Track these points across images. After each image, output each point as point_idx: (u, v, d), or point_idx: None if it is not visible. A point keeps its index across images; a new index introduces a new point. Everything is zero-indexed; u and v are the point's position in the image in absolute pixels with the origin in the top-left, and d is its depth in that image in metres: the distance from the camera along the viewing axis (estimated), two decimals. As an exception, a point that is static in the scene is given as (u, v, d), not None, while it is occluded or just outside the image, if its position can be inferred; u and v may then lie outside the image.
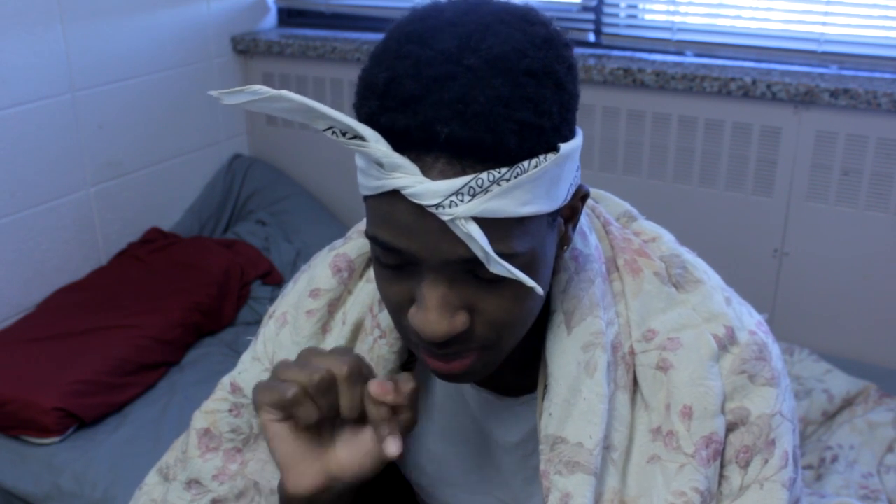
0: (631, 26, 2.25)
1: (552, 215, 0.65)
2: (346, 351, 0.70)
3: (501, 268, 0.60)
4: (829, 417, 1.80)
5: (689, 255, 0.79)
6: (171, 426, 1.79)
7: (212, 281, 2.16)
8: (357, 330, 0.82)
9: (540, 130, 0.60)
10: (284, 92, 0.58)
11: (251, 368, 0.86)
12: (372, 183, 0.61)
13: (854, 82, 1.92)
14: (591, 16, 2.25)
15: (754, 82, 1.98)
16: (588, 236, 0.76)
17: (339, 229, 2.51)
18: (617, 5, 2.24)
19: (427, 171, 0.59)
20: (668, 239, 0.80)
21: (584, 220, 0.77)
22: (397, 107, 0.58)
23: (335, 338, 0.83)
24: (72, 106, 2.14)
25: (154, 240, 2.37)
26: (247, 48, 2.60)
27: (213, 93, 0.59)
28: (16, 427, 1.75)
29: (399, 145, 0.59)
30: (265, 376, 0.84)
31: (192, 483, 0.85)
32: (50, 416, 1.72)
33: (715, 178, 2.11)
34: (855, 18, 2.00)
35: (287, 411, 0.67)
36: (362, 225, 0.85)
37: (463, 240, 0.60)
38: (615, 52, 2.23)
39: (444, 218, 0.59)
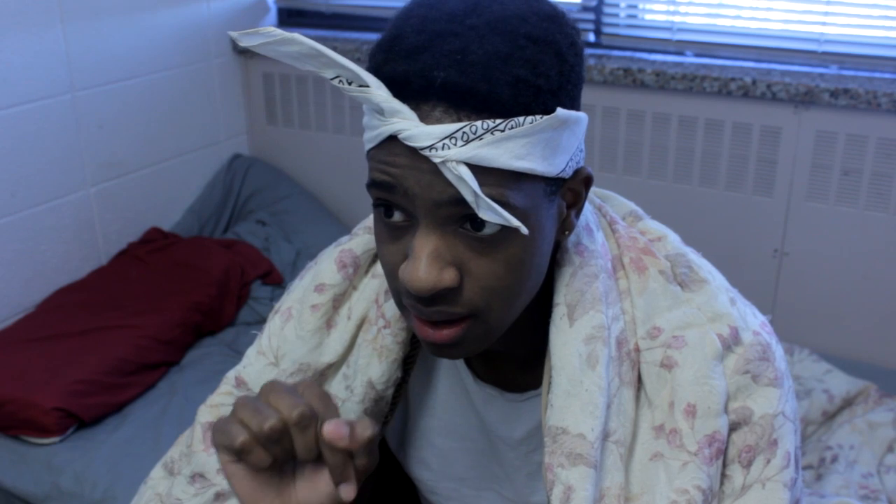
0: (631, 26, 2.26)
1: (551, 186, 0.66)
2: (308, 387, 0.68)
3: (491, 212, 0.61)
4: (829, 417, 1.80)
5: (694, 256, 0.79)
6: (171, 426, 1.79)
7: (212, 281, 2.16)
8: (362, 324, 0.83)
9: (536, 90, 0.61)
10: (296, 35, 0.61)
11: (256, 363, 0.86)
12: (373, 133, 0.64)
13: (854, 82, 1.92)
14: (591, 16, 2.25)
15: (754, 82, 1.98)
16: (595, 233, 0.77)
17: (339, 229, 2.51)
18: (617, 5, 2.25)
19: (424, 118, 0.61)
20: (673, 238, 0.81)
21: (591, 217, 0.78)
22: (400, 57, 0.62)
23: (340, 333, 0.83)
24: (72, 106, 2.15)
25: (154, 240, 2.37)
26: (247, 48, 2.60)
27: (233, 34, 0.63)
28: (16, 427, 1.75)
29: (399, 93, 0.62)
30: (269, 370, 0.85)
31: (197, 477, 0.85)
32: (50, 416, 1.72)
33: (715, 178, 2.11)
34: (855, 18, 2.00)
35: (238, 457, 0.67)
36: (369, 221, 0.85)
37: (453, 183, 0.61)
38: (615, 52, 2.23)
39: (436, 160, 0.60)
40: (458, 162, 0.60)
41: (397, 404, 0.85)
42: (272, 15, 2.74)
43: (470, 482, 0.89)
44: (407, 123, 0.61)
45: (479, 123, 0.60)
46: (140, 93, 2.33)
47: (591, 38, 2.27)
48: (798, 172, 2.01)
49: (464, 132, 0.60)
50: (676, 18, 2.18)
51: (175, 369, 2.00)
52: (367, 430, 0.66)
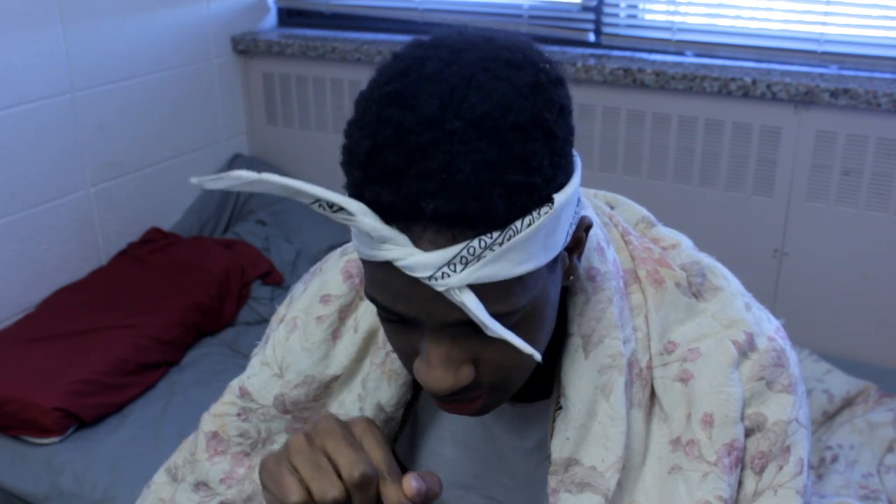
0: (631, 26, 2.25)
1: (552, 261, 0.63)
2: (365, 430, 0.65)
3: (499, 333, 0.59)
4: (829, 417, 1.80)
5: (708, 261, 0.78)
6: (171, 426, 1.78)
7: (212, 281, 2.16)
8: (369, 338, 0.81)
9: (531, 188, 0.57)
10: (265, 176, 0.56)
11: (260, 373, 0.84)
12: (365, 251, 0.60)
13: (854, 82, 1.92)
14: (591, 16, 2.25)
15: (754, 82, 1.98)
16: (605, 251, 0.74)
17: (339, 229, 2.51)
18: (617, 5, 2.24)
19: (417, 241, 0.57)
20: (686, 245, 0.79)
21: (601, 234, 0.75)
22: (381, 179, 0.57)
23: (346, 345, 0.82)
24: (72, 106, 2.14)
25: (154, 240, 2.37)
26: (247, 48, 2.60)
27: (194, 180, 0.56)
28: (16, 427, 1.75)
29: (387, 216, 0.58)
30: (274, 381, 0.83)
31: (201, 485, 0.85)
32: (50, 416, 1.72)
33: (715, 178, 2.11)
34: (855, 18, 2.00)
35: None
36: None
37: (458, 306, 0.59)
38: (615, 52, 2.23)
39: (439, 289, 0.57)
40: (462, 287, 0.57)
41: (407, 421, 0.85)
42: (272, 15, 2.74)
43: (476, 490, 0.88)
44: (401, 251, 0.57)
45: (475, 243, 0.56)
46: (140, 93, 2.33)
47: (591, 38, 2.27)
48: (798, 172, 2.01)
49: (462, 256, 0.56)
50: (676, 18, 2.18)
51: (175, 369, 2.00)
52: (436, 485, 0.64)
